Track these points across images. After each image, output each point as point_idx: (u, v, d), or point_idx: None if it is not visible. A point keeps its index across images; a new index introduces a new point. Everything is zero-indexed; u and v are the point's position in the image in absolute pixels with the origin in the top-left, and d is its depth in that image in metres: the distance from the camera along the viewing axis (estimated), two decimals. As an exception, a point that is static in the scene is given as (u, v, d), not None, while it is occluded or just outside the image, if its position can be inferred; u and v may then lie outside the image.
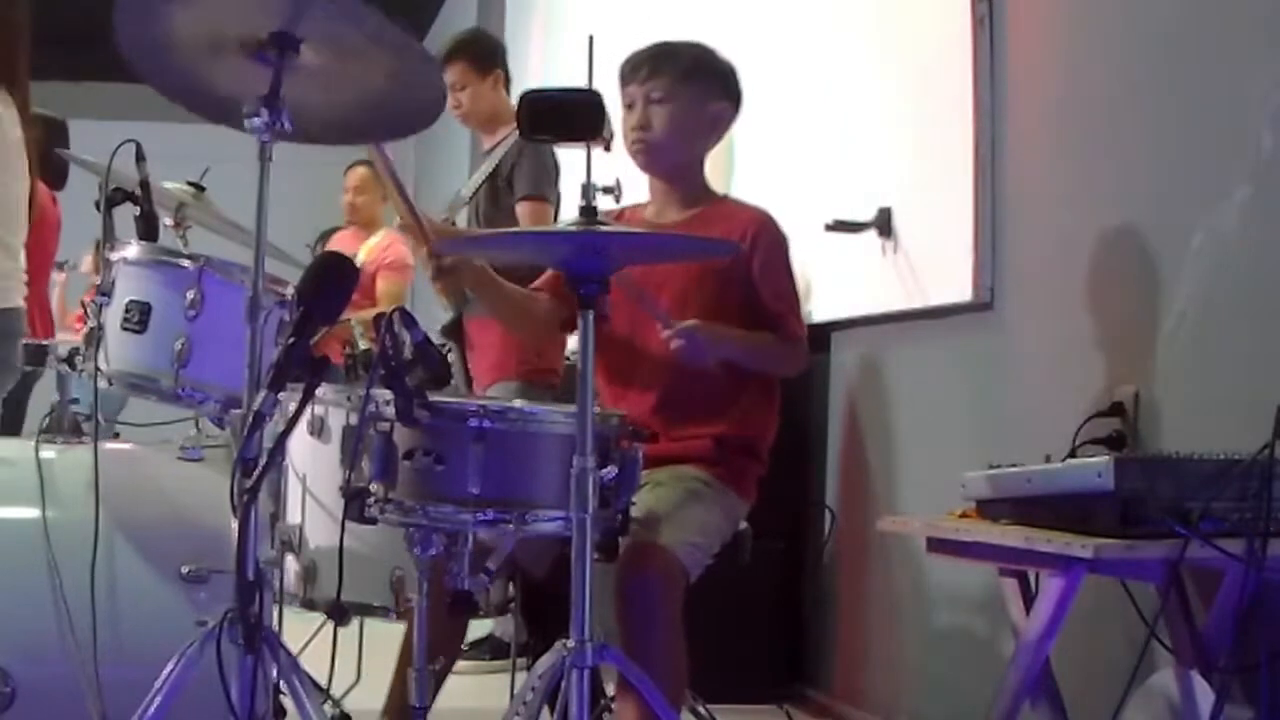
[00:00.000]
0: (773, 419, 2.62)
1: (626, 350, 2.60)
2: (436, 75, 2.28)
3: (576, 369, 1.95)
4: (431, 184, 8.55)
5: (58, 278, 6.72)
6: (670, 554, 2.28)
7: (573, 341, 4.71)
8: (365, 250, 5.48)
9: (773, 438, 2.62)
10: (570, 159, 4.05)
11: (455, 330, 4.03)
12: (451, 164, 7.68)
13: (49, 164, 4.13)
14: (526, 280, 2.72)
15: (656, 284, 2.57)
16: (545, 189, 3.92)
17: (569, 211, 2.05)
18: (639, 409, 2.50)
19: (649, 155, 2.64)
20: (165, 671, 1.88)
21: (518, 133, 3.86)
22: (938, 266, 3.16)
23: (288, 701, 1.97)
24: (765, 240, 2.58)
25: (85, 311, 2.41)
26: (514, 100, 3.77)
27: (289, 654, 1.92)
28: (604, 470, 1.96)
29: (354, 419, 2.08)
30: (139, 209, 2.52)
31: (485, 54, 4.15)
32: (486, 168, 4.04)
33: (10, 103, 3.06)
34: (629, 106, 2.63)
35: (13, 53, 3.12)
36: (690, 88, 2.61)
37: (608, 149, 2.55)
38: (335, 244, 5.82)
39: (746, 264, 2.55)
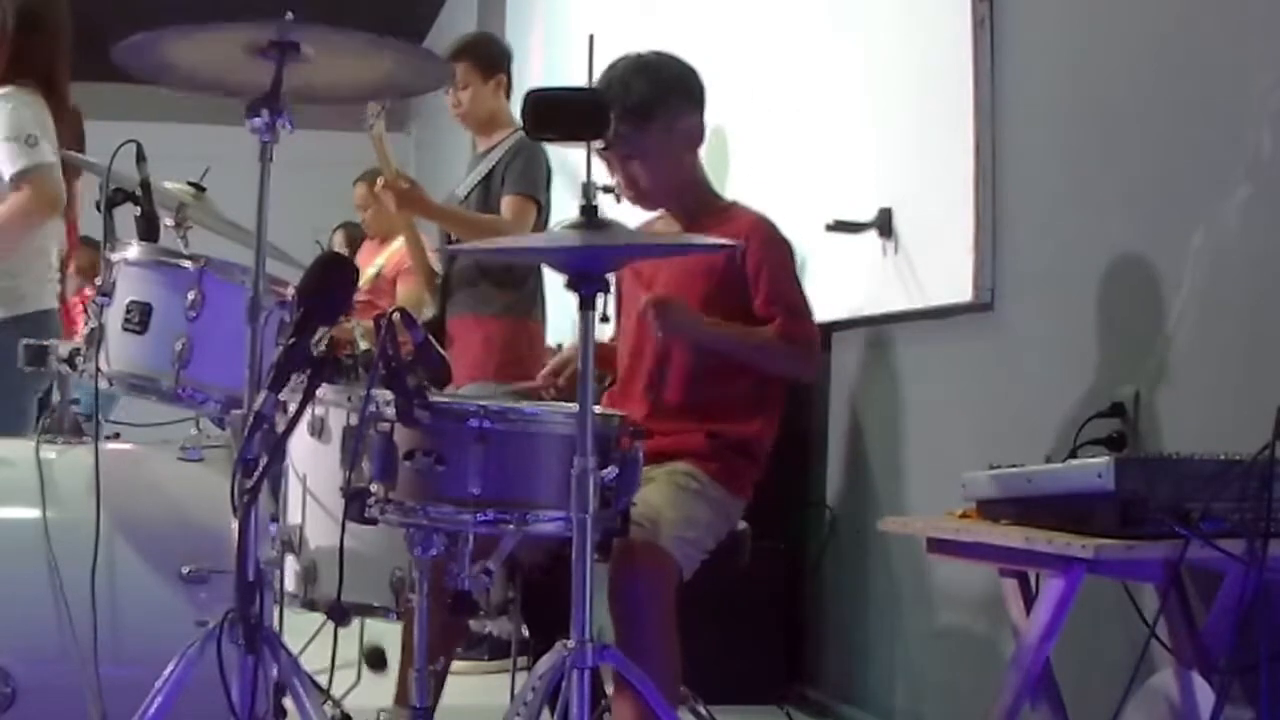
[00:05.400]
0: (770, 421, 2.60)
1: (623, 348, 2.61)
2: (441, 68, 2.28)
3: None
4: (431, 184, 8.51)
5: None
6: (662, 550, 2.28)
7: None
8: (385, 256, 5.53)
9: (770, 440, 2.61)
10: (569, 159, 4.05)
11: (436, 328, 4.05)
12: (451, 164, 7.67)
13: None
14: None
15: (652, 288, 2.57)
16: (536, 190, 3.97)
17: (565, 213, 2.08)
18: (632, 405, 2.50)
19: (644, 202, 2.67)
20: (165, 672, 1.88)
21: (514, 137, 3.96)
22: (938, 266, 3.16)
23: (288, 702, 1.97)
24: (759, 244, 2.57)
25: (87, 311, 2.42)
26: (515, 105, 3.80)
27: (289, 654, 1.92)
28: (604, 470, 1.96)
29: (354, 419, 2.08)
30: (139, 209, 2.52)
31: (490, 56, 4.20)
32: (482, 169, 4.08)
33: (44, 106, 3.06)
34: (606, 163, 2.60)
35: (50, 56, 3.13)
36: (653, 126, 2.56)
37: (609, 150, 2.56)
38: (357, 254, 5.94)
39: (741, 268, 2.55)
